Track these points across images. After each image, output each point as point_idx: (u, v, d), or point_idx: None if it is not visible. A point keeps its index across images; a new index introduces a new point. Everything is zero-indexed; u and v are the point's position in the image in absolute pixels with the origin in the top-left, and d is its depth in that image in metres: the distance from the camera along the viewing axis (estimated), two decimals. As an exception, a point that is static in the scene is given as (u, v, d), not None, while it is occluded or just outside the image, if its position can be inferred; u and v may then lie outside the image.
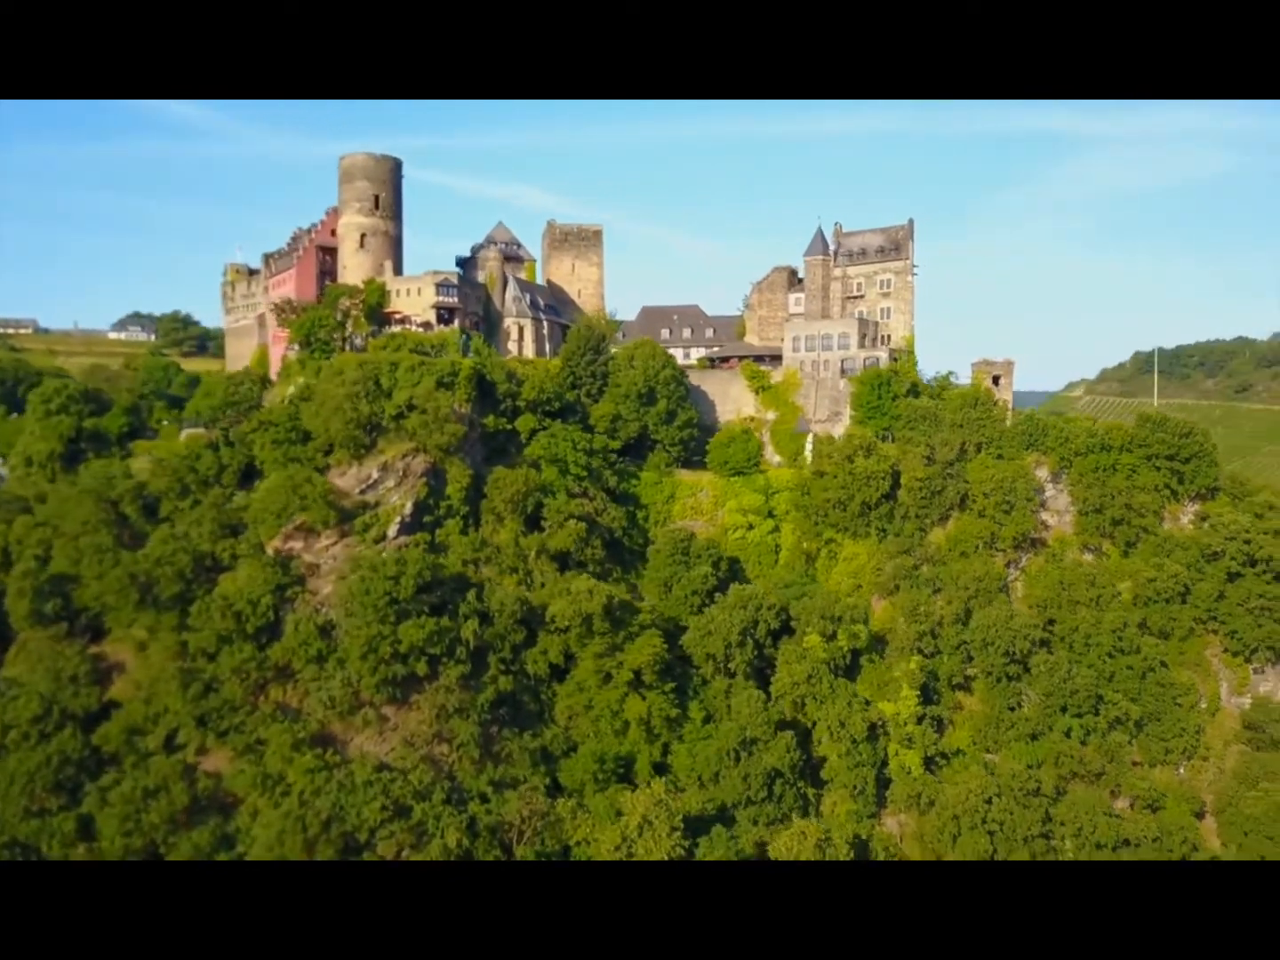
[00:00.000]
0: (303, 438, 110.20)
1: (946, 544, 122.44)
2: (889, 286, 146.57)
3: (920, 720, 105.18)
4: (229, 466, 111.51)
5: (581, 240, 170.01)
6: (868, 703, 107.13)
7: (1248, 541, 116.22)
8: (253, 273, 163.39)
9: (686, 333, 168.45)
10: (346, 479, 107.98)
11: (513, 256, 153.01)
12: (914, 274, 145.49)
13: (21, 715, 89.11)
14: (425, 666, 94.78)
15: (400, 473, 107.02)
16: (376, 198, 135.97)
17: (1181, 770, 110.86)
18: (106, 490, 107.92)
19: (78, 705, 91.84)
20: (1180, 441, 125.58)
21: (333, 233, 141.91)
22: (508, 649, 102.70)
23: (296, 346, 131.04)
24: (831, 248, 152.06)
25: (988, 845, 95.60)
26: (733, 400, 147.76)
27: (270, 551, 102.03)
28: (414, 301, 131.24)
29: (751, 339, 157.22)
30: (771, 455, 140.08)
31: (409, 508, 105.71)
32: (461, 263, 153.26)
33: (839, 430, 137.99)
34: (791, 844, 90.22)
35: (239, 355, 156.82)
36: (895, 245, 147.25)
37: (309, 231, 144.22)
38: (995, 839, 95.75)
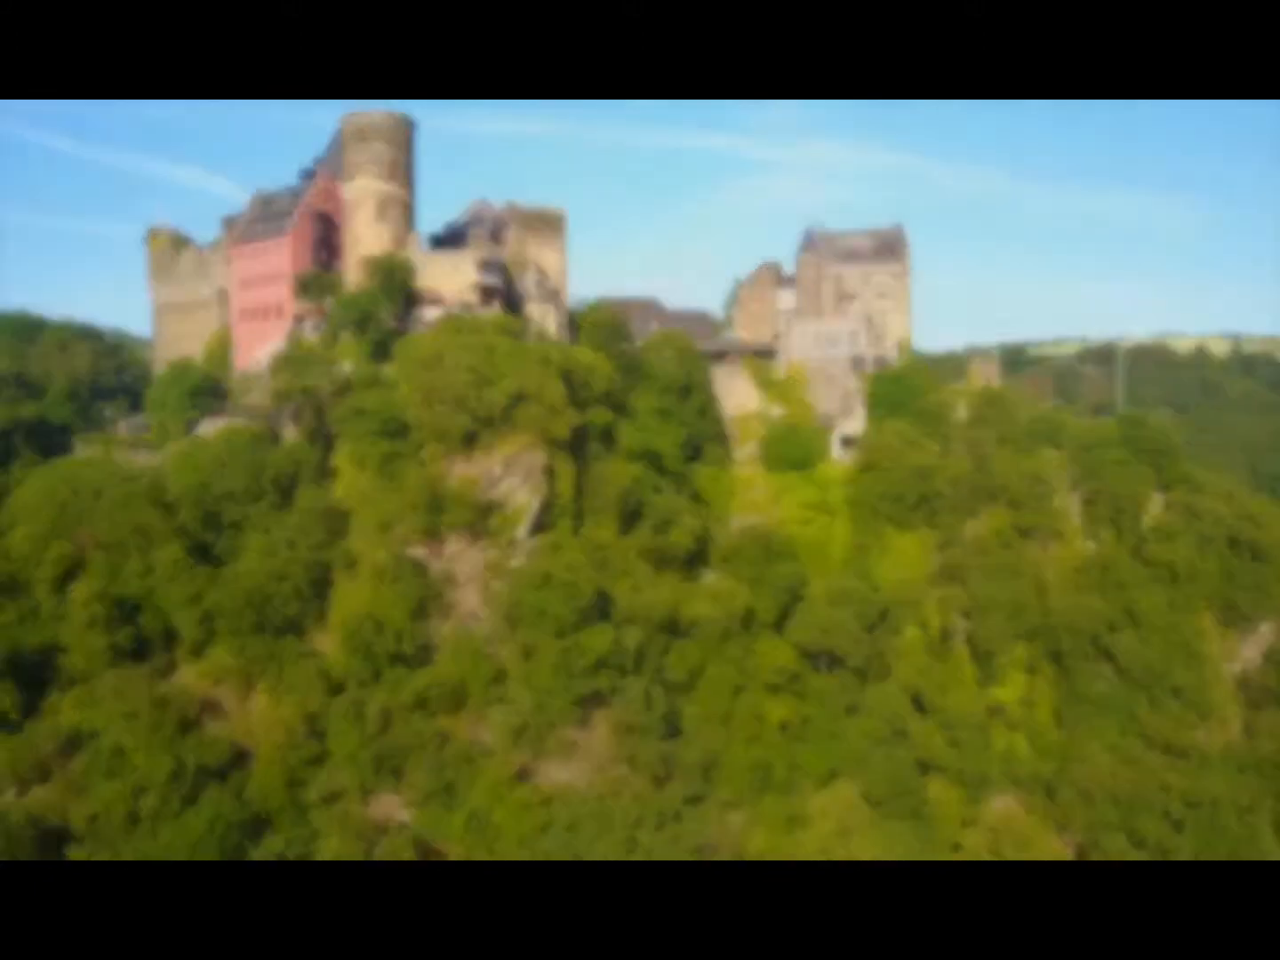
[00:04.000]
0: (399, 430, 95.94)
1: (989, 535, 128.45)
2: (885, 288, 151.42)
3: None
4: (305, 463, 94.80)
5: (544, 224, 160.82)
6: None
7: (1230, 526, 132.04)
8: (179, 240, 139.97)
9: (653, 325, 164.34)
10: (457, 474, 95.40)
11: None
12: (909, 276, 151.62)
13: (154, 777, 70.97)
14: (608, 680, 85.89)
15: (525, 468, 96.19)
16: (394, 162, 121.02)
17: (1199, 733, 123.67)
18: (158, 492, 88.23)
19: (211, 758, 74.47)
20: (1158, 438, 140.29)
21: (324, 199, 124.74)
22: (655, 656, 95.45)
23: (315, 325, 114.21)
24: (819, 247, 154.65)
25: (1115, 815, 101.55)
26: (735, 395, 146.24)
27: (391, 559, 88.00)
28: (452, 280, 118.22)
29: (743, 334, 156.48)
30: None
31: (535, 506, 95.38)
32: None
33: (853, 427, 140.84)
34: (985, 839, 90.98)
35: (181, 335, 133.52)
36: (889, 248, 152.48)
37: (296, 195, 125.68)
38: (1123, 808, 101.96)
